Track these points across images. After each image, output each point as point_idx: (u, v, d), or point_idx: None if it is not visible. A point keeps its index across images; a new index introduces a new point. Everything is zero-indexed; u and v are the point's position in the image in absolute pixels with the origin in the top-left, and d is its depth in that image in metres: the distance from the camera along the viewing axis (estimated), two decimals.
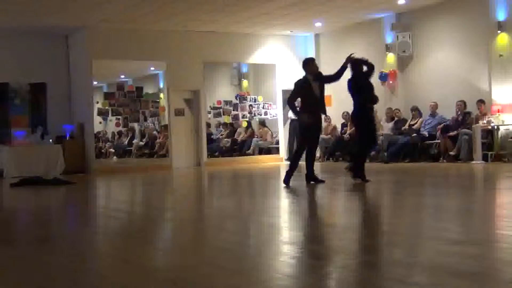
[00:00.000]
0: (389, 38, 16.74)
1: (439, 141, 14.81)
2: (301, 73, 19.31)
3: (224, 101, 19.19)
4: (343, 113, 17.09)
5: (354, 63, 9.97)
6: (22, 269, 4.47)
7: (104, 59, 16.86)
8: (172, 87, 17.82)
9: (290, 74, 19.10)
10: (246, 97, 19.39)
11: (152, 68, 19.06)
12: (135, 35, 16.98)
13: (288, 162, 11.83)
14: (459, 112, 14.59)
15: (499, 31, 14.05)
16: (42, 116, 17.26)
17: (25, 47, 17.03)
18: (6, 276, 4.30)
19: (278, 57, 19.10)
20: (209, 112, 18.89)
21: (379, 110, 14.88)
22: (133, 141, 19.54)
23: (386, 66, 16.67)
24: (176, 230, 6.51)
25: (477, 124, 13.89)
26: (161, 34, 17.26)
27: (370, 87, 10.02)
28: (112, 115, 18.00)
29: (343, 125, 17.52)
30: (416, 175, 12.23)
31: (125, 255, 4.94)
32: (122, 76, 19.71)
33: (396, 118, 16.21)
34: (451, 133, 14.46)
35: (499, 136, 13.75)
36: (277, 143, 19.35)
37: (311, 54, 19.14)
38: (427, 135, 15.20)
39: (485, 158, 13.64)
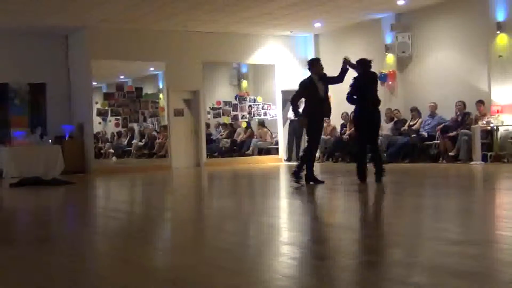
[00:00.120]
0: (388, 39, 16.74)
1: (438, 141, 14.82)
2: (300, 73, 19.36)
3: (224, 101, 19.19)
4: (342, 113, 17.09)
5: (358, 63, 9.98)
6: (22, 269, 4.47)
7: (104, 59, 16.86)
8: (171, 87, 17.82)
9: (289, 75, 19.15)
10: (246, 97, 19.40)
11: (151, 69, 19.05)
12: (135, 35, 16.98)
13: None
14: (458, 113, 14.59)
15: (498, 32, 14.05)
16: (41, 116, 17.26)
17: (24, 47, 17.03)
18: (6, 276, 4.30)
19: (278, 57, 19.10)
20: (209, 113, 18.89)
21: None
22: (133, 142, 19.54)
23: (386, 66, 16.67)
24: (176, 230, 6.51)
25: (476, 125, 13.89)
26: (161, 34, 17.26)
27: (373, 88, 10.00)
28: (112, 116, 18.01)
29: (343, 126, 17.53)
30: (415, 175, 12.23)
31: (124, 255, 4.94)
32: (122, 77, 19.71)
33: (395, 119, 16.22)
34: (451, 134, 14.47)
35: (499, 136, 13.75)
36: (277, 143, 19.35)
37: (311, 54, 19.15)
38: (426, 136, 15.20)
39: (484, 158, 13.64)
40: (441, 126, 14.83)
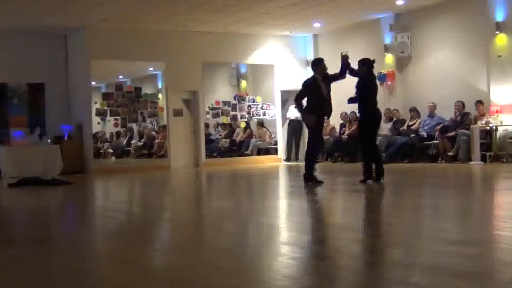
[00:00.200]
0: (387, 39, 16.75)
1: (437, 141, 14.82)
2: (299, 74, 19.38)
3: (223, 101, 19.18)
4: (341, 113, 17.09)
5: (362, 63, 10.00)
6: (22, 269, 4.47)
7: (103, 59, 16.85)
8: (170, 87, 17.81)
9: (289, 75, 19.16)
10: (245, 97, 19.39)
11: (150, 69, 19.06)
12: (134, 35, 16.97)
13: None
14: (457, 113, 14.60)
15: (497, 32, 14.06)
16: (40, 116, 17.25)
17: (23, 47, 17.02)
18: (6, 276, 4.30)
19: (277, 57, 19.10)
20: (208, 113, 18.88)
21: None
22: (132, 142, 19.54)
23: (385, 66, 16.67)
24: (175, 231, 6.51)
25: (475, 125, 13.90)
26: (160, 34, 17.25)
27: (373, 89, 10.02)
28: (111, 116, 17.99)
29: (342, 126, 17.53)
30: (414, 175, 12.24)
31: (124, 255, 4.94)
32: (121, 77, 19.71)
33: (394, 119, 16.22)
34: (450, 134, 14.47)
35: (498, 136, 13.75)
36: (276, 143, 19.34)
37: (310, 54, 19.17)
38: (425, 136, 15.20)
39: (483, 158, 13.65)
40: (440, 126, 14.83)
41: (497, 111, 13.97)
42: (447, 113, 14.99)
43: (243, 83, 19.95)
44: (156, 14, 15.43)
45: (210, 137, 19.19)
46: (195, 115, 18.21)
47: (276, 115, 19.35)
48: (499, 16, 14.04)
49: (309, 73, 19.10)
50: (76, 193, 11.68)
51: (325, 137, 17.34)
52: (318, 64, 10.10)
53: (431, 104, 15.33)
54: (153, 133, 19.05)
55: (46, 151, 13.32)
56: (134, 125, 19.13)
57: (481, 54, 14.56)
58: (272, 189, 11.37)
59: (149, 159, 18.74)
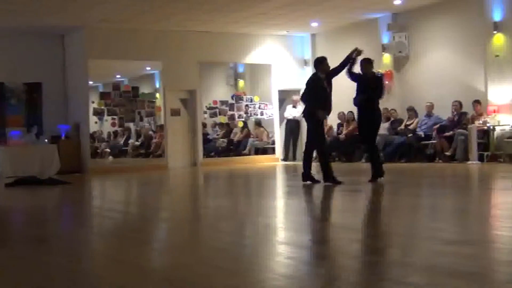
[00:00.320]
0: (385, 38, 16.74)
1: (435, 141, 14.82)
2: (297, 73, 19.39)
3: (220, 101, 19.17)
4: (339, 113, 17.08)
5: (367, 63, 10.03)
6: (20, 269, 4.46)
7: (100, 58, 16.82)
8: (168, 87, 17.79)
9: (286, 75, 19.17)
10: (242, 97, 19.38)
11: (148, 68, 19.04)
12: (132, 35, 16.95)
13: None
14: (455, 113, 14.60)
15: (495, 32, 14.06)
16: (37, 116, 17.22)
17: (21, 46, 16.99)
18: (5, 276, 4.29)
19: (274, 57, 19.09)
20: (205, 112, 18.87)
21: None
22: (129, 141, 19.51)
23: (383, 66, 16.66)
24: (172, 230, 6.50)
25: (473, 125, 13.91)
26: (157, 34, 17.23)
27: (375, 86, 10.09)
28: (108, 115, 17.95)
29: (339, 125, 17.53)
30: (412, 175, 12.24)
31: (121, 255, 4.93)
32: (118, 76, 19.68)
33: (392, 118, 16.22)
34: (447, 134, 14.47)
35: (495, 136, 13.76)
36: (273, 143, 19.34)
37: (308, 54, 19.19)
38: (423, 135, 15.21)
39: (480, 158, 13.66)
40: (437, 126, 14.84)
41: (494, 111, 13.98)
42: (444, 113, 14.99)
43: (241, 83, 19.95)
44: (154, 14, 15.42)
45: (208, 136, 19.17)
46: (192, 115, 18.20)
47: (273, 115, 19.34)
48: (497, 16, 14.05)
49: (306, 72, 19.25)
50: (73, 192, 11.67)
51: None
52: (321, 62, 10.09)
53: (429, 103, 15.33)
54: (151, 132, 19.03)
55: (43, 150, 13.30)
56: (131, 125, 19.09)
57: (478, 54, 14.57)
58: (270, 189, 11.37)
59: (147, 158, 18.71)
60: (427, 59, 15.95)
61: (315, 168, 10.35)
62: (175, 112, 18.03)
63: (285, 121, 19.19)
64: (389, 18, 16.52)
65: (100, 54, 16.74)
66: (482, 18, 14.31)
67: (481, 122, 13.90)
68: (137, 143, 19.35)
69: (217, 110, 19.10)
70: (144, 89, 18.73)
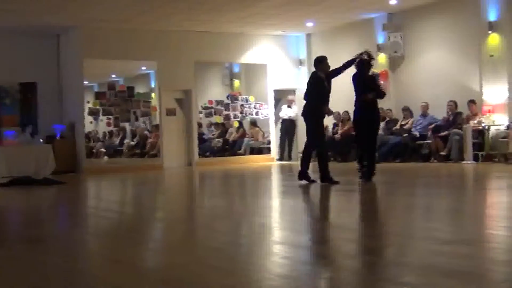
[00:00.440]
0: (380, 38, 16.76)
1: (430, 141, 14.84)
2: (292, 73, 19.38)
3: (216, 101, 19.17)
4: (334, 113, 17.05)
5: (367, 63, 10.06)
6: (16, 269, 4.45)
7: (95, 58, 16.79)
8: (163, 86, 17.78)
9: (281, 74, 19.18)
10: (238, 97, 19.38)
11: (143, 68, 19.02)
12: (127, 34, 16.93)
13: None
14: (450, 112, 14.63)
15: (490, 32, 14.09)
16: (32, 115, 17.17)
17: (16, 46, 16.95)
18: (1, 276, 4.28)
19: (270, 57, 19.10)
20: (201, 112, 18.86)
21: None
22: (124, 141, 19.49)
23: (378, 66, 16.66)
24: (168, 230, 6.50)
25: (468, 124, 13.93)
26: (153, 33, 17.22)
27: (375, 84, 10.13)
28: (103, 115, 17.93)
29: (334, 125, 17.54)
30: (407, 175, 12.25)
31: (117, 255, 4.93)
32: (113, 76, 19.66)
33: (387, 118, 16.23)
34: (442, 133, 14.50)
35: (490, 136, 13.79)
36: (269, 143, 19.34)
37: (303, 54, 19.20)
38: (418, 135, 15.23)
39: (475, 158, 13.68)
40: (432, 125, 14.86)
41: (489, 111, 14.00)
42: (439, 113, 15.02)
43: (236, 83, 19.95)
44: (149, 14, 15.40)
45: (203, 136, 19.17)
46: (188, 115, 18.19)
47: (269, 115, 19.34)
48: (492, 16, 14.08)
49: (302, 72, 19.27)
50: (68, 192, 11.64)
51: None
52: (321, 62, 10.09)
53: (424, 103, 15.36)
54: (146, 132, 19.01)
55: (38, 150, 13.27)
56: (126, 125, 19.07)
57: (473, 54, 14.59)
58: (265, 189, 11.37)
59: (142, 158, 18.69)
60: (422, 59, 15.98)
61: (312, 168, 10.35)
62: (170, 112, 18.02)
63: (280, 121, 19.19)
64: (385, 18, 16.54)
65: (95, 54, 16.71)
66: (477, 18, 14.33)
67: (476, 122, 13.93)
68: (132, 143, 19.33)
69: (213, 110, 19.10)
70: (140, 89, 18.71)
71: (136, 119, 18.71)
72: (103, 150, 19.50)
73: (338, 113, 17.02)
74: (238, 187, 12.12)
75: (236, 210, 7.96)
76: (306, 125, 10.28)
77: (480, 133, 13.92)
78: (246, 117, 19.38)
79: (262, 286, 3.74)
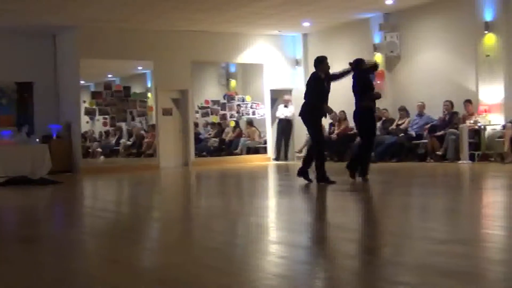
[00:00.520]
0: (377, 38, 16.77)
1: (426, 141, 14.86)
2: (289, 73, 19.37)
3: (212, 100, 19.16)
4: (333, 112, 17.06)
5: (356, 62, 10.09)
6: (12, 269, 4.44)
7: (92, 58, 16.77)
8: (160, 86, 17.77)
9: (278, 74, 19.18)
10: (234, 96, 19.38)
11: (139, 68, 19.00)
12: (123, 34, 16.91)
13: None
14: (446, 112, 14.64)
15: (486, 32, 14.10)
16: (28, 115, 17.15)
17: (12, 46, 16.92)
18: None
19: (266, 57, 19.10)
20: (197, 112, 18.85)
21: None
22: (121, 141, 19.47)
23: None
24: (164, 230, 6.50)
25: (464, 124, 13.95)
26: (149, 33, 17.20)
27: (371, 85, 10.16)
28: (100, 115, 17.91)
29: (331, 125, 17.54)
30: (403, 175, 12.27)
31: (113, 255, 4.92)
32: (110, 76, 19.64)
33: (383, 118, 16.25)
34: (438, 133, 14.51)
35: (486, 136, 13.81)
36: (265, 142, 19.35)
37: (299, 54, 19.21)
38: (414, 135, 15.24)
39: (471, 158, 13.70)
40: (429, 125, 14.88)
41: (485, 111, 14.03)
42: (435, 113, 15.04)
43: (233, 82, 19.95)
44: (145, 14, 15.39)
45: (200, 136, 19.16)
46: (184, 114, 18.18)
47: (265, 114, 19.35)
48: (488, 16, 14.10)
49: (298, 72, 19.29)
50: (64, 192, 11.63)
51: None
52: (321, 62, 10.05)
53: (420, 103, 15.37)
54: (142, 132, 18.99)
55: (35, 150, 13.25)
56: (123, 124, 19.05)
57: (469, 53, 14.61)
58: (262, 188, 11.37)
59: (138, 158, 18.68)
60: (419, 59, 15.99)
61: (311, 167, 10.35)
62: (166, 112, 18.01)
63: (277, 120, 19.20)
64: (381, 18, 16.55)
65: (91, 54, 16.69)
66: (473, 18, 14.36)
67: (472, 121, 13.95)
68: (128, 142, 19.32)
69: (209, 109, 19.09)
70: (136, 89, 18.70)
71: (133, 119, 18.69)
72: (99, 150, 19.50)
73: (335, 113, 17.01)
74: (234, 187, 12.12)
75: (233, 210, 7.96)
76: (306, 125, 10.30)
77: (476, 133, 13.94)
78: (243, 116, 19.38)
79: (258, 285, 3.74)
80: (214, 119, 19.27)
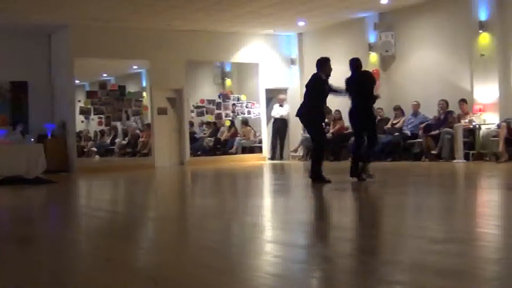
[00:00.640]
0: (372, 38, 16.80)
1: (421, 140, 14.89)
2: (284, 72, 19.36)
3: (207, 100, 19.16)
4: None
5: (353, 62, 10.06)
6: (7, 269, 4.43)
7: (87, 57, 16.75)
8: (155, 85, 17.76)
9: (273, 73, 19.19)
10: (229, 96, 19.38)
11: (135, 67, 18.98)
12: (118, 33, 16.90)
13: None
14: (441, 111, 14.67)
15: (481, 31, 14.14)
16: (23, 115, 17.13)
17: (7, 45, 16.90)
18: None
19: (261, 56, 19.11)
20: (192, 111, 18.84)
21: None
22: (116, 140, 19.44)
23: (369, 65, 16.69)
24: (159, 229, 6.49)
25: (459, 123, 13.98)
26: (144, 32, 17.19)
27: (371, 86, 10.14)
28: (95, 114, 17.89)
29: (326, 124, 17.54)
30: (398, 174, 12.28)
31: (108, 254, 4.91)
32: (105, 75, 19.61)
33: (378, 117, 16.24)
34: (433, 132, 14.54)
35: (481, 135, 13.83)
36: (260, 142, 19.36)
37: (295, 53, 19.22)
38: (409, 134, 15.27)
39: (466, 157, 13.74)
40: (424, 124, 14.91)
41: (480, 110, 14.07)
42: (430, 112, 15.07)
43: (228, 82, 19.94)
44: (140, 13, 15.38)
45: (195, 135, 19.16)
46: (179, 114, 18.18)
47: (260, 114, 19.35)
48: (482, 15, 14.13)
49: (293, 71, 19.29)
50: (59, 192, 11.61)
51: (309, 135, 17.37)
52: (324, 63, 9.98)
53: (415, 102, 15.40)
54: (137, 131, 18.98)
55: (29, 149, 13.22)
56: (118, 124, 19.03)
57: (464, 53, 14.65)
58: (257, 188, 11.36)
59: (133, 157, 18.66)
60: (414, 58, 16.02)
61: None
62: (162, 111, 18.00)
63: (272, 120, 19.21)
64: (376, 17, 16.58)
65: (86, 53, 16.68)
66: (468, 18, 14.39)
67: (467, 121, 13.99)
68: (124, 142, 19.29)
69: (204, 109, 19.09)
70: (131, 88, 18.68)
71: (128, 118, 18.67)
72: (94, 149, 19.46)
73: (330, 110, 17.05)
74: (229, 186, 12.11)
75: (228, 209, 7.96)
76: (307, 126, 10.26)
77: (471, 132, 13.97)
78: (238, 116, 19.38)
79: (253, 284, 3.74)
80: (210, 118, 19.27)
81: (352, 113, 10.03)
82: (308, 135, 16.79)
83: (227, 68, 20.03)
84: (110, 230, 6.48)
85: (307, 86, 10.11)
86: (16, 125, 15.39)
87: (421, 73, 15.77)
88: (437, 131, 14.44)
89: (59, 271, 4.33)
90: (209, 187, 11.98)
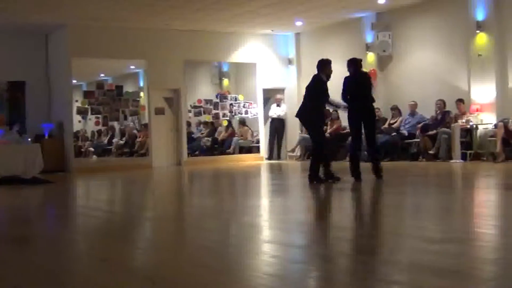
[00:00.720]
0: (369, 37, 16.80)
1: (418, 140, 14.90)
2: (281, 72, 19.36)
3: (205, 100, 19.14)
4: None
5: (351, 62, 10.06)
6: (3, 269, 4.43)
7: (84, 57, 16.73)
8: (152, 85, 17.74)
9: (271, 73, 19.18)
10: (227, 96, 19.37)
11: (132, 67, 18.95)
12: (115, 33, 16.88)
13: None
14: (438, 111, 14.68)
15: (478, 31, 14.15)
16: (20, 114, 17.10)
17: (4, 45, 16.87)
18: None
19: (259, 56, 19.10)
20: (190, 111, 18.83)
21: None
22: (113, 140, 19.41)
23: (366, 65, 16.69)
24: (157, 229, 6.49)
25: (456, 123, 13.99)
26: (142, 32, 17.18)
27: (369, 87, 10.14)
28: (92, 114, 17.86)
29: (324, 124, 17.55)
30: (396, 174, 12.27)
31: (105, 254, 4.91)
32: (102, 75, 19.57)
33: (376, 118, 16.25)
34: (431, 132, 14.55)
35: (478, 135, 13.84)
36: (258, 142, 19.35)
37: (292, 53, 19.22)
38: (406, 134, 15.28)
39: (463, 157, 13.75)
40: (421, 124, 14.91)
41: (477, 110, 14.08)
42: (428, 112, 15.07)
43: (225, 82, 19.92)
44: (138, 12, 15.36)
45: (192, 135, 19.13)
46: (177, 114, 18.17)
47: (258, 114, 19.35)
48: (480, 15, 14.14)
49: (291, 71, 19.30)
50: (57, 192, 11.60)
51: (307, 135, 17.36)
52: (325, 65, 9.94)
53: (412, 102, 15.41)
54: (135, 131, 18.95)
55: (27, 149, 13.21)
56: (115, 124, 18.99)
57: (461, 53, 14.66)
58: (255, 188, 11.37)
59: (131, 157, 18.63)
60: (411, 58, 16.03)
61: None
62: (159, 111, 17.99)
63: (269, 120, 19.20)
64: (373, 17, 16.58)
65: (83, 53, 16.65)
66: (465, 18, 14.40)
67: (464, 121, 13.99)
68: (121, 142, 19.26)
69: (202, 109, 19.07)
70: (128, 88, 18.65)
71: (125, 118, 18.65)
72: (91, 149, 19.43)
73: (328, 111, 17.05)
74: (227, 186, 12.11)
75: (226, 209, 7.96)
76: (307, 127, 10.25)
77: (468, 132, 13.98)
78: (235, 116, 19.37)
79: (251, 284, 3.74)
80: (207, 118, 19.25)
81: (351, 114, 10.01)
82: (305, 135, 16.94)
83: (225, 68, 20.01)
84: (107, 230, 6.48)
85: (307, 87, 10.09)
86: (13, 125, 15.35)
87: (418, 73, 15.78)
88: (434, 131, 14.44)
89: (56, 271, 4.32)
90: (207, 187, 11.98)
